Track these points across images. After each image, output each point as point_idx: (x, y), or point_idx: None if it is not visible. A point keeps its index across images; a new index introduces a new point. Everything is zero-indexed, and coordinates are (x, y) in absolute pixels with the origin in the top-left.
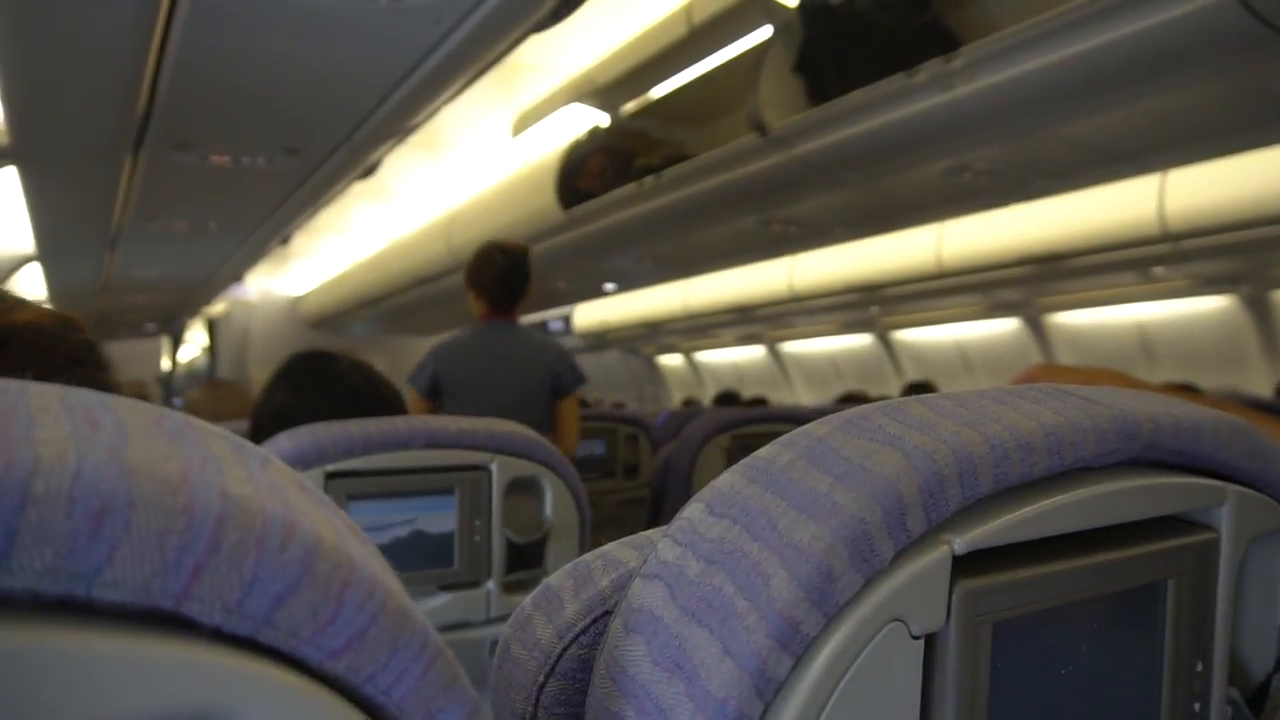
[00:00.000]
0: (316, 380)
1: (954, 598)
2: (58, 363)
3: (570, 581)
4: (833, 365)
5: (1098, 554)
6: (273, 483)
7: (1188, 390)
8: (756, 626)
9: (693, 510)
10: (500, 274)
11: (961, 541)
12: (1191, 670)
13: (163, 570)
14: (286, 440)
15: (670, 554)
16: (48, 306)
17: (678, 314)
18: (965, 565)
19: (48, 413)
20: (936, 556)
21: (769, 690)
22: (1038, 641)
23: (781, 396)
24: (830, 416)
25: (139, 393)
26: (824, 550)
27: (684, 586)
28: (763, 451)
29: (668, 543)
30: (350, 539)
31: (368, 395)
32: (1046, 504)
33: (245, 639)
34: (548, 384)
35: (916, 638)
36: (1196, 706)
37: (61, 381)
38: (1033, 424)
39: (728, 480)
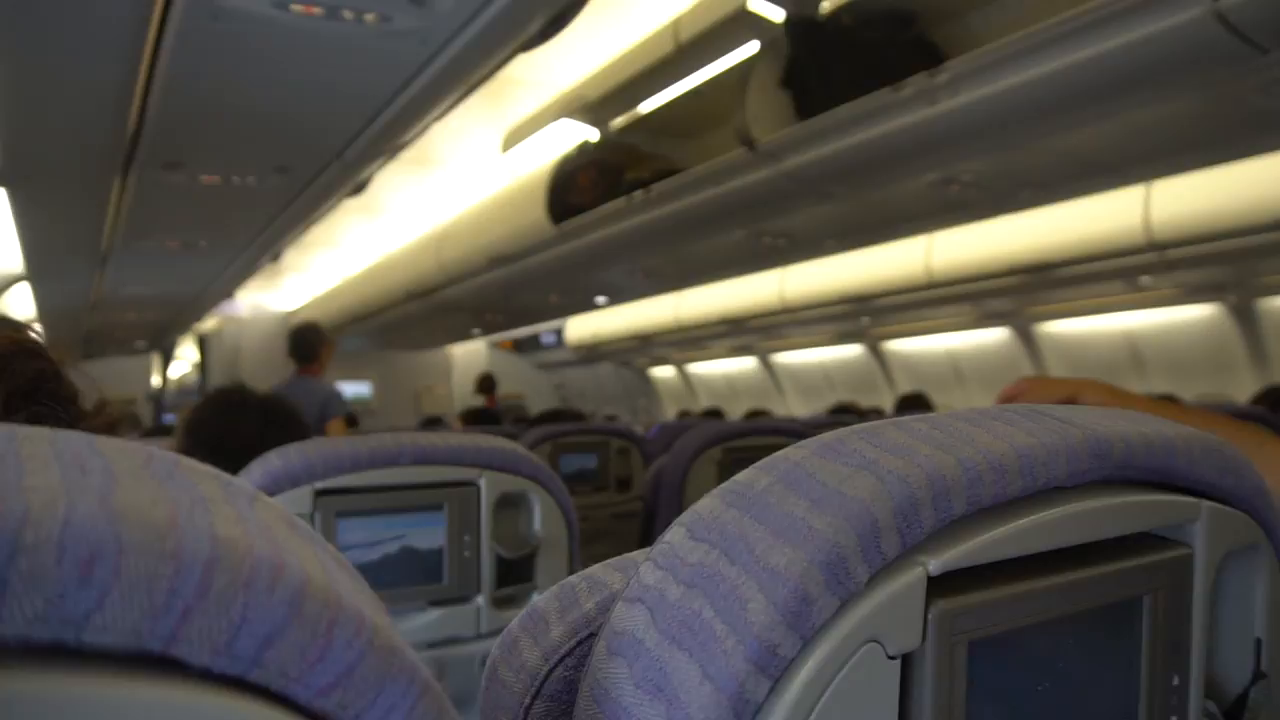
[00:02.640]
0: (223, 408)
1: (929, 618)
2: None
3: (556, 604)
4: (825, 376)
5: (1073, 572)
6: (261, 522)
7: (1171, 401)
8: (735, 650)
9: (674, 534)
10: (295, 345)
11: (936, 563)
12: (1168, 684)
13: (152, 614)
14: (275, 459)
15: (651, 578)
16: (6, 328)
17: (669, 326)
18: (941, 586)
19: (37, 459)
20: (911, 578)
21: (747, 713)
22: (1014, 659)
23: (774, 408)
24: (808, 441)
25: (115, 417)
26: (800, 574)
27: (665, 610)
28: (742, 476)
29: (649, 566)
30: (339, 575)
31: (267, 417)
32: (1020, 524)
33: (234, 679)
34: (317, 413)
35: (893, 658)
36: None
37: None
38: (1006, 446)
39: (708, 504)
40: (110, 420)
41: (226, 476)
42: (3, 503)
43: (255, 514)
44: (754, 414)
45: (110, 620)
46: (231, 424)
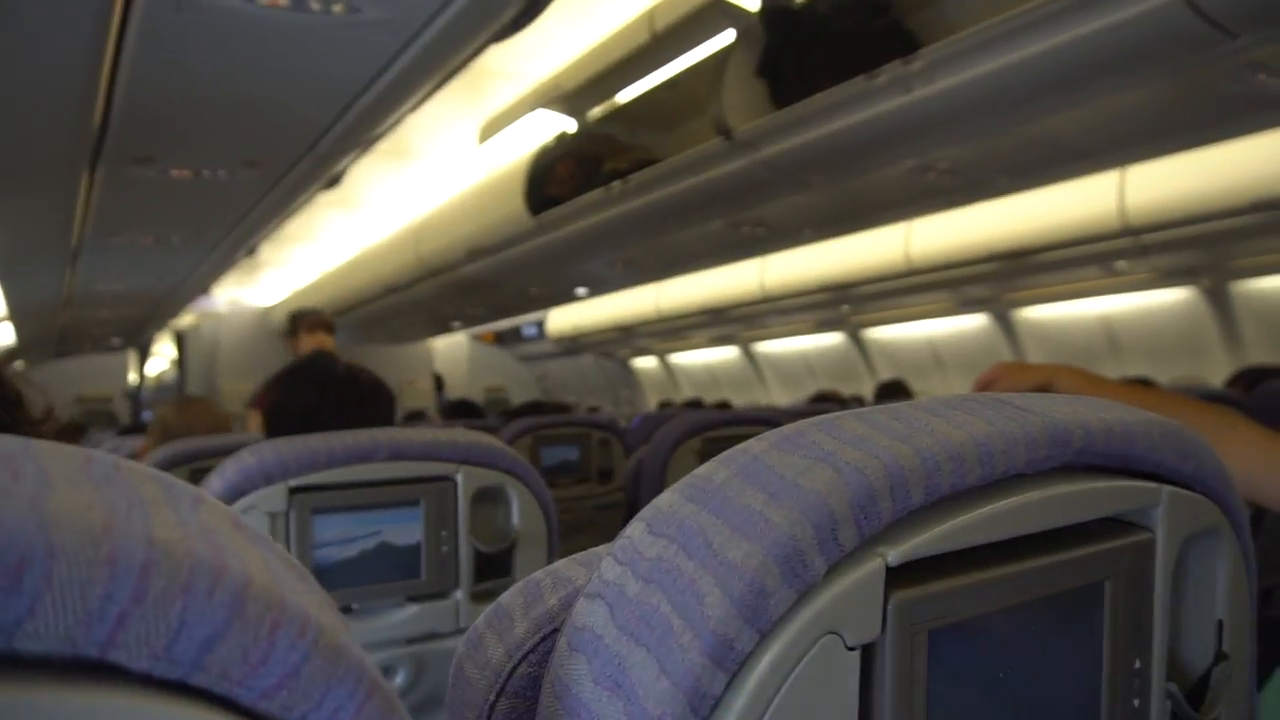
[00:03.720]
0: (306, 379)
1: (889, 608)
2: None
3: (521, 600)
4: (806, 364)
5: (1034, 558)
6: (203, 523)
7: (1145, 384)
8: (691, 645)
9: (634, 529)
10: None
11: (895, 553)
12: (1130, 668)
13: (86, 620)
14: (249, 455)
15: (611, 573)
16: None
17: (651, 317)
18: (900, 576)
19: None
20: (870, 569)
21: (705, 707)
22: (976, 647)
23: (756, 397)
24: (768, 433)
25: (65, 424)
26: (756, 567)
27: (624, 605)
28: (702, 469)
29: (609, 562)
30: (285, 575)
31: (356, 394)
32: (979, 513)
33: (175, 683)
34: None
35: (852, 649)
36: (1136, 703)
37: None
38: (964, 435)
39: (668, 499)
40: (60, 428)
41: (169, 479)
42: None
43: (198, 516)
44: (718, 406)
45: (43, 627)
46: (289, 397)
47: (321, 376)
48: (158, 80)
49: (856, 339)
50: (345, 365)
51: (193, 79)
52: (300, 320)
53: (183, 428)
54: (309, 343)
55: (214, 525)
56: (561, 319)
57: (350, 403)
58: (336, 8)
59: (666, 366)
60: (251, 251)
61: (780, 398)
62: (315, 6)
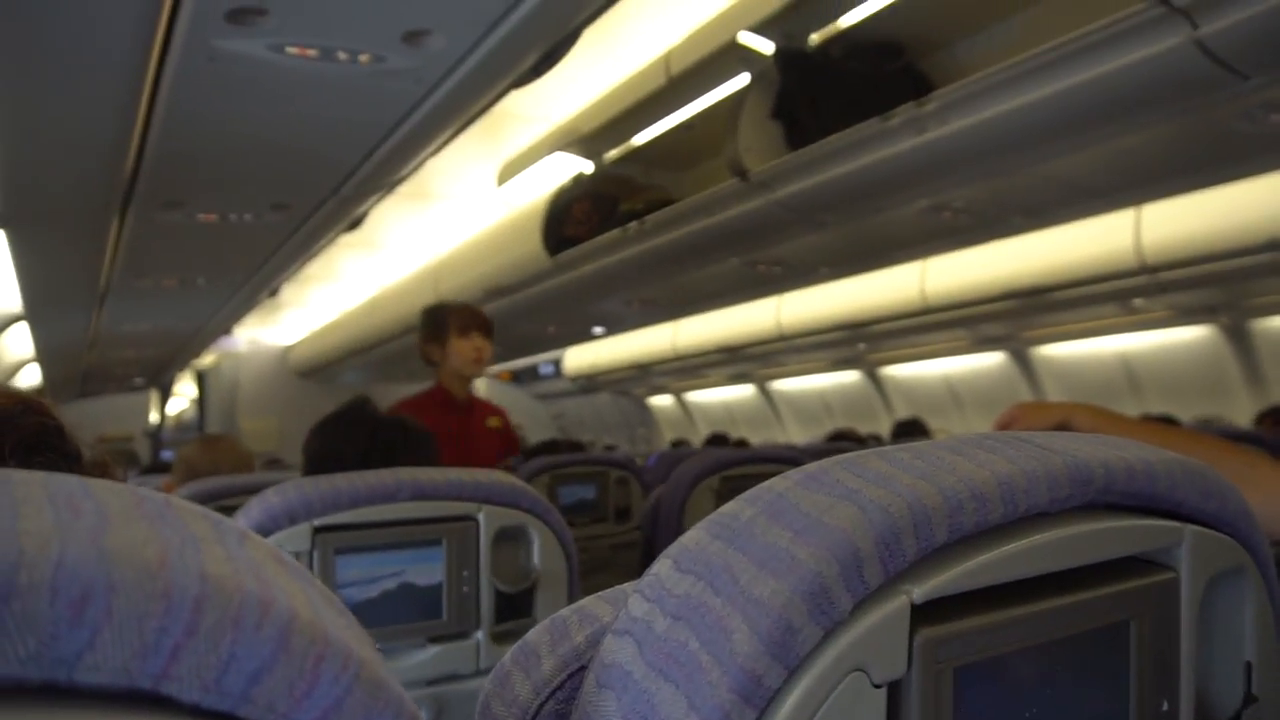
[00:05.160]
0: (349, 424)
1: (915, 646)
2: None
3: (547, 637)
4: (823, 402)
5: (1058, 597)
6: (251, 559)
7: (1167, 422)
8: (720, 681)
9: (661, 566)
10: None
11: (920, 591)
12: (1157, 709)
13: (142, 652)
14: (274, 496)
15: (639, 610)
16: (8, 386)
17: (667, 355)
18: (926, 614)
19: (31, 502)
20: (895, 606)
21: None
22: (1001, 685)
23: (773, 435)
24: (792, 471)
25: (107, 466)
26: (783, 604)
27: (652, 642)
28: (727, 507)
29: (637, 599)
30: (326, 611)
31: (404, 443)
32: (1002, 551)
33: (224, 714)
34: None
35: (879, 686)
36: None
37: None
38: (986, 474)
39: (694, 536)
40: (101, 463)
41: (217, 516)
42: None
43: (245, 552)
44: (735, 444)
45: (101, 659)
46: (336, 445)
47: (368, 426)
48: (189, 128)
49: (873, 377)
50: (388, 413)
51: (223, 127)
52: (447, 317)
53: (208, 466)
54: (462, 349)
55: (260, 561)
56: (578, 357)
57: (398, 449)
58: (363, 58)
59: (683, 405)
60: (274, 292)
61: (797, 436)
62: (342, 57)
